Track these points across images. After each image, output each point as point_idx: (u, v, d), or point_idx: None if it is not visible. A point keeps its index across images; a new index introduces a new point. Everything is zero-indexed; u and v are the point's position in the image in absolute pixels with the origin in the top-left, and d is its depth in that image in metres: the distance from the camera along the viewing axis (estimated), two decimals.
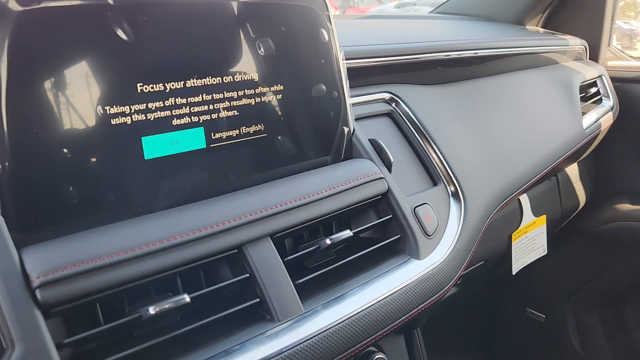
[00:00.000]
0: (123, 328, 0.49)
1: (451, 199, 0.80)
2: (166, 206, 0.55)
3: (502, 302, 1.81)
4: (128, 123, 0.52)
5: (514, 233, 1.28)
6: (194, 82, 0.56)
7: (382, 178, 0.70)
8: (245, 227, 0.55)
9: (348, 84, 0.71)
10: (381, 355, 0.68)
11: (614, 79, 1.55)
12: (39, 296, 0.42)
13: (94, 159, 0.50)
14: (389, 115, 0.85)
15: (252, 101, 0.61)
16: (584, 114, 1.34)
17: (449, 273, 0.70)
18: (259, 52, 0.61)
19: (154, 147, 0.54)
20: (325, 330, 0.56)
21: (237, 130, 0.60)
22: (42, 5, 0.46)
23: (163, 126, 0.54)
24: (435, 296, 0.69)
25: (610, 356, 1.65)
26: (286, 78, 0.64)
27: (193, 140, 0.57)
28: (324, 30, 0.67)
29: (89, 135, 0.50)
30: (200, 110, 0.57)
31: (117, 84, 0.51)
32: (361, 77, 0.83)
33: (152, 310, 0.47)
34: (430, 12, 1.84)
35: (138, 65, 0.52)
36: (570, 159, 1.31)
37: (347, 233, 0.63)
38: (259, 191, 0.59)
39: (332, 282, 0.62)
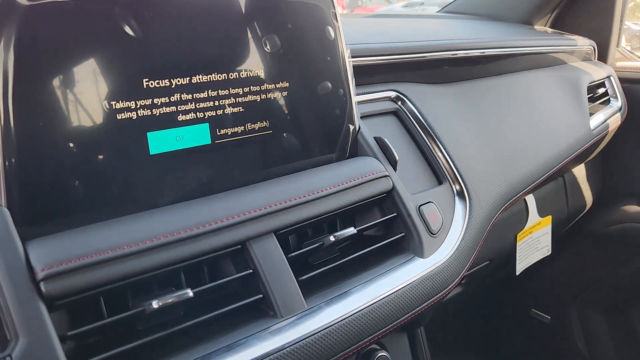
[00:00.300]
0: (126, 322, 0.49)
1: (456, 198, 0.80)
2: (171, 201, 0.55)
3: (507, 302, 1.81)
4: (134, 118, 0.52)
5: (519, 233, 1.28)
6: (199, 78, 0.56)
7: (387, 176, 0.70)
8: (249, 223, 0.55)
9: (354, 81, 0.71)
10: (384, 353, 0.68)
11: (622, 80, 1.54)
12: (43, 289, 0.42)
13: (99, 154, 0.50)
14: (395, 113, 0.85)
15: (257, 98, 0.61)
16: (591, 114, 1.33)
17: (453, 272, 0.70)
18: (265, 49, 0.61)
19: (159, 142, 0.54)
20: (328, 327, 0.56)
21: (242, 127, 0.60)
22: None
23: (168, 122, 0.55)
24: (439, 295, 0.69)
25: (616, 359, 1.64)
26: (292, 75, 0.64)
27: (198, 136, 0.57)
28: (330, 28, 0.67)
29: (94, 130, 0.50)
30: (205, 106, 0.57)
31: (123, 79, 0.51)
32: (367, 75, 0.83)
33: (155, 304, 0.47)
34: (438, 12, 1.83)
35: (144, 61, 0.53)
36: (577, 160, 1.30)
37: (351, 230, 0.63)
38: (264, 188, 0.59)
39: (336, 279, 0.62)
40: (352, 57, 0.72)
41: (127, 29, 0.51)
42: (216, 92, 0.58)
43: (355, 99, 0.71)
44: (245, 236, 0.55)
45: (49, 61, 0.47)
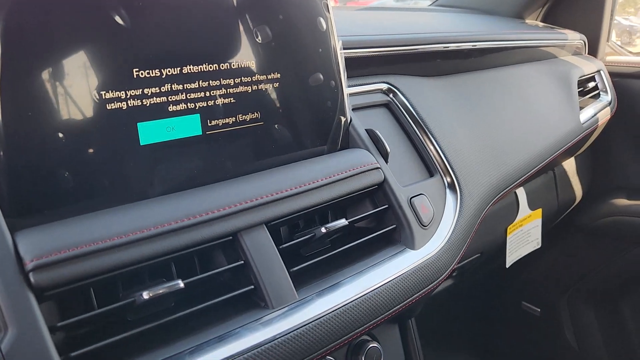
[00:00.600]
0: (117, 313, 0.49)
1: (447, 190, 0.80)
2: (161, 192, 0.55)
3: (497, 295, 1.82)
4: (124, 108, 0.52)
5: (509, 226, 1.29)
6: (190, 69, 0.56)
7: (379, 168, 0.70)
8: (240, 214, 0.55)
9: (346, 73, 0.70)
10: (375, 345, 0.68)
11: (612, 74, 1.55)
12: (32, 279, 0.42)
13: (89, 144, 0.50)
14: (386, 106, 0.84)
15: (248, 89, 0.61)
16: (581, 108, 1.34)
17: (444, 264, 0.71)
18: (257, 39, 0.61)
19: (150, 133, 0.54)
20: (319, 318, 0.56)
21: (234, 118, 0.60)
22: None
23: (159, 112, 0.54)
24: (430, 286, 0.69)
25: (605, 351, 1.66)
26: (283, 66, 0.64)
27: (189, 126, 0.57)
28: (322, 19, 0.67)
29: (84, 120, 0.50)
30: (196, 97, 0.57)
31: (113, 68, 0.51)
32: (359, 67, 0.83)
33: (145, 295, 0.47)
34: (429, 5, 1.83)
35: (134, 51, 0.52)
36: (567, 153, 1.31)
37: (343, 222, 0.63)
38: (255, 179, 0.59)
39: (327, 270, 0.62)
40: (344, 49, 0.72)
41: (117, 19, 0.51)
42: (207, 82, 0.57)
43: (346, 90, 0.71)
44: (237, 227, 0.55)
45: (37, 51, 0.46)
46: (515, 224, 1.30)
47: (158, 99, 0.54)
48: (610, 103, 1.47)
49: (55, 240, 0.44)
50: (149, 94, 0.53)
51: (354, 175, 0.66)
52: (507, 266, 1.32)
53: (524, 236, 1.36)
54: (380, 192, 0.71)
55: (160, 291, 0.48)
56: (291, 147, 0.66)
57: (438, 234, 0.72)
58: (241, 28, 0.60)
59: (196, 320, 0.51)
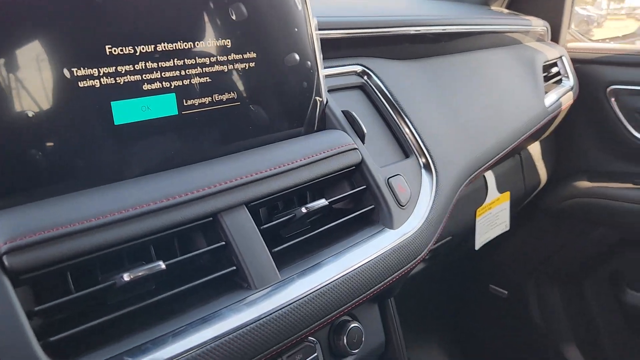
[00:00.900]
0: (96, 297, 0.47)
1: (423, 170, 0.81)
2: (138, 174, 0.53)
3: (467, 279, 1.86)
4: (97, 86, 0.50)
5: (478, 209, 1.31)
6: (165, 46, 0.54)
7: (356, 149, 0.69)
8: (220, 195, 0.54)
9: (321, 54, 0.70)
10: (356, 324, 0.69)
11: (573, 60, 1.59)
12: (6, 262, 0.40)
13: (61, 123, 0.48)
14: (361, 88, 0.84)
15: (224, 68, 0.60)
16: (545, 93, 1.38)
17: (421, 243, 0.71)
18: (232, 18, 0.60)
19: (124, 112, 0.52)
20: (302, 298, 0.55)
21: (210, 98, 0.59)
22: None
23: (133, 91, 0.53)
24: (409, 265, 0.69)
25: (570, 329, 1.71)
26: (259, 45, 0.63)
27: (164, 106, 0.56)
28: None
29: (55, 98, 0.48)
30: (171, 75, 0.55)
31: (85, 45, 0.49)
32: (332, 49, 0.82)
33: (126, 277, 0.46)
34: None
35: (106, 27, 0.50)
36: (533, 137, 1.34)
37: (322, 202, 0.63)
38: (234, 160, 0.58)
39: (308, 251, 0.62)
40: (318, 29, 0.71)
41: None
42: (182, 61, 0.56)
43: (322, 72, 0.70)
44: (217, 208, 0.54)
45: (6, 27, 0.44)
46: (485, 206, 1.33)
47: (132, 77, 0.52)
48: (572, 88, 1.51)
49: (30, 222, 0.42)
50: (123, 72, 0.52)
51: (332, 155, 0.66)
52: (477, 248, 1.34)
53: (493, 219, 1.39)
54: (357, 173, 0.71)
55: (141, 273, 0.47)
56: (268, 128, 0.65)
57: (415, 214, 0.73)
58: (216, 6, 0.58)
59: (178, 303, 0.50)
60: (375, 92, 0.84)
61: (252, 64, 0.62)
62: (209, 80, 0.59)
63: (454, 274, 1.83)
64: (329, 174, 0.65)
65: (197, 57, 0.57)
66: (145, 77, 0.53)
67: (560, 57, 1.55)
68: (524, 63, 1.33)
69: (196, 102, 0.58)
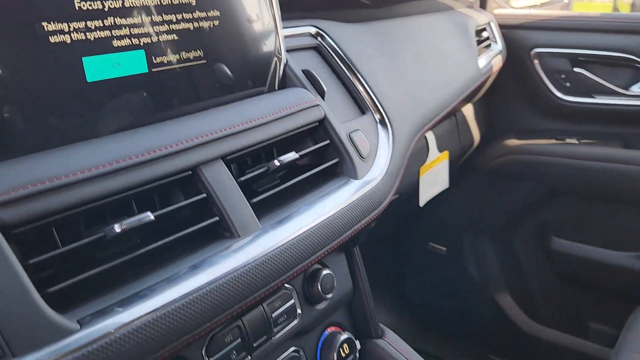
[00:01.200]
0: (85, 251, 0.47)
1: (379, 125, 0.85)
2: (112, 131, 0.53)
3: (409, 237, 1.95)
4: (67, 42, 0.49)
5: (421, 167, 1.38)
6: (132, 2, 0.54)
7: (319, 105, 0.72)
8: (198, 148, 0.55)
9: (280, 14, 0.71)
10: (328, 271, 0.72)
11: (500, 26, 1.69)
12: None
13: (33, 79, 0.47)
14: (316, 49, 0.87)
15: (190, 26, 0.60)
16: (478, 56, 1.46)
17: (384, 192, 0.76)
18: None
19: (96, 68, 0.52)
20: (283, 244, 0.58)
21: (178, 56, 0.59)
22: None
23: (103, 47, 0.52)
24: (374, 213, 0.74)
25: (503, 280, 1.85)
26: (222, 3, 0.63)
27: (135, 63, 0.55)
28: None
29: (26, 54, 0.46)
30: (140, 32, 0.55)
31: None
32: (285, 11, 0.84)
33: (117, 228, 0.46)
34: None
35: None
36: (468, 99, 1.42)
37: (293, 154, 0.65)
38: (208, 115, 0.59)
39: (281, 203, 0.64)
40: None
41: None
42: (150, 17, 0.56)
43: (282, 32, 0.72)
44: (196, 161, 0.55)
45: None
46: (427, 165, 1.40)
47: (102, 32, 0.52)
48: (500, 52, 1.61)
49: (18, 177, 0.42)
50: (93, 28, 0.51)
51: (298, 111, 0.68)
52: (421, 205, 1.41)
53: (434, 177, 1.47)
54: (320, 129, 0.73)
55: (132, 223, 0.47)
56: (234, 87, 0.66)
57: (376, 165, 0.77)
58: None
59: (167, 254, 0.51)
60: (330, 52, 0.87)
61: (216, 22, 0.63)
62: (176, 37, 0.59)
63: (397, 234, 1.91)
64: (296, 128, 0.67)
65: (163, 14, 0.57)
66: (114, 33, 0.53)
67: (489, 22, 1.63)
68: (458, 28, 1.40)
69: (165, 59, 0.58)
